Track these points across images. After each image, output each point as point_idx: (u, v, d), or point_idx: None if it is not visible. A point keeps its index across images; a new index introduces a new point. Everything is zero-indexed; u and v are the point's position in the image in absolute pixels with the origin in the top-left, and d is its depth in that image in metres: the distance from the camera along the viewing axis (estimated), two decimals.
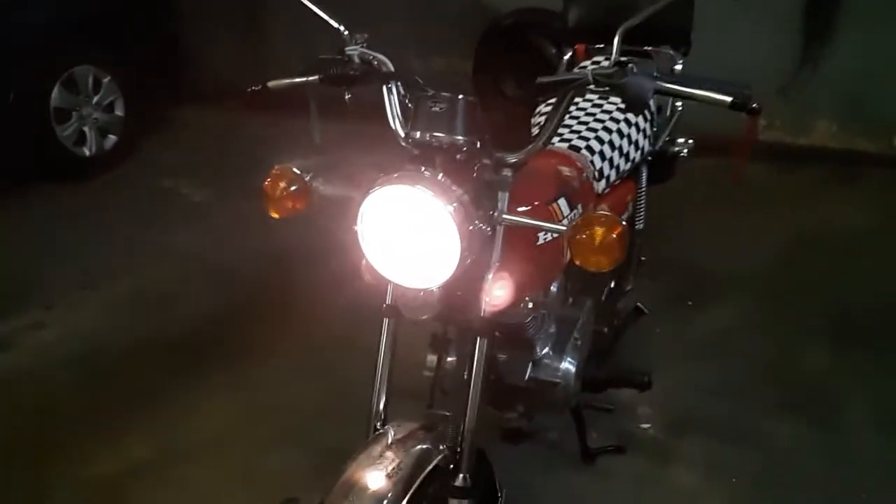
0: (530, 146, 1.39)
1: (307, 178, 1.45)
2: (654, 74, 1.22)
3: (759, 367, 2.68)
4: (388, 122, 1.42)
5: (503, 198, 1.37)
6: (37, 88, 4.21)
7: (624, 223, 1.28)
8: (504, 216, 1.36)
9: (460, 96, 1.28)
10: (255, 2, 5.55)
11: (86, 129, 4.47)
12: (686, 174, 2.43)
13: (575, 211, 1.65)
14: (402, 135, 1.38)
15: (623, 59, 1.25)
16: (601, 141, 2.00)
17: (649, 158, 2.27)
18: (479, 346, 1.41)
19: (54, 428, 2.52)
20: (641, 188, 2.29)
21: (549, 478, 2.21)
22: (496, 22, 4.77)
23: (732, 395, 2.53)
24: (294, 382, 2.67)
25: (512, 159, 1.38)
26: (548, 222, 1.46)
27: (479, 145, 1.30)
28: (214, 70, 5.45)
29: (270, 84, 1.54)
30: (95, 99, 4.50)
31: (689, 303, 3.06)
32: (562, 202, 1.61)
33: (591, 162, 1.94)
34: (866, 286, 3.17)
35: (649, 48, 2.25)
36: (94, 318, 3.17)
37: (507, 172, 1.37)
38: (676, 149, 2.34)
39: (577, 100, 2.10)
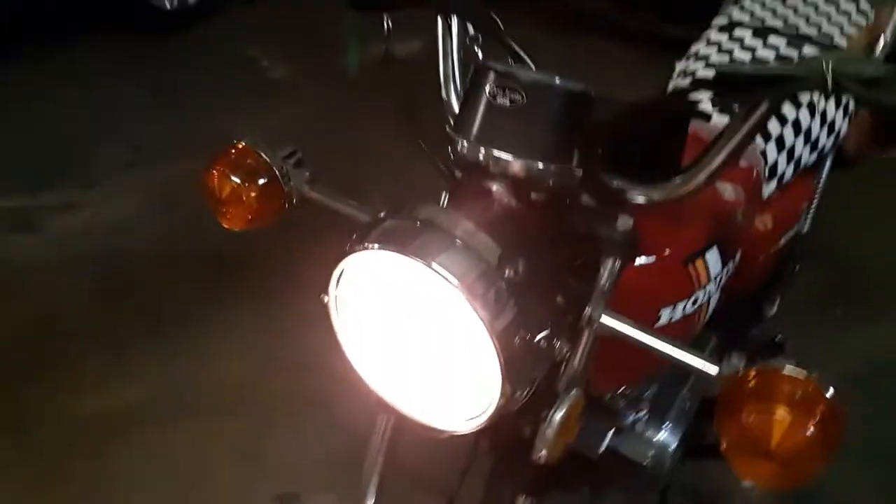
0: (686, 174, 0.75)
1: (283, 170, 0.89)
2: None
3: None
4: (441, 86, 0.84)
5: (608, 272, 0.76)
6: None
7: (833, 391, 0.68)
8: (604, 317, 0.75)
9: (557, 80, 0.68)
10: None
11: None
12: None
13: (730, 265, 1.04)
14: (454, 124, 0.75)
15: None
16: (782, 120, 1.34)
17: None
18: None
19: (53, 340, 2.20)
20: (820, 182, 1.63)
21: None
22: None
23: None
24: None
25: (641, 198, 0.75)
26: (681, 299, 0.87)
27: (579, 174, 0.71)
28: None
29: None
30: None
31: (839, 312, 2.40)
32: (711, 255, 0.99)
33: (764, 153, 1.30)
34: None
35: None
36: (130, 208, 2.77)
37: (625, 223, 0.74)
38: None
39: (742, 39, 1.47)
